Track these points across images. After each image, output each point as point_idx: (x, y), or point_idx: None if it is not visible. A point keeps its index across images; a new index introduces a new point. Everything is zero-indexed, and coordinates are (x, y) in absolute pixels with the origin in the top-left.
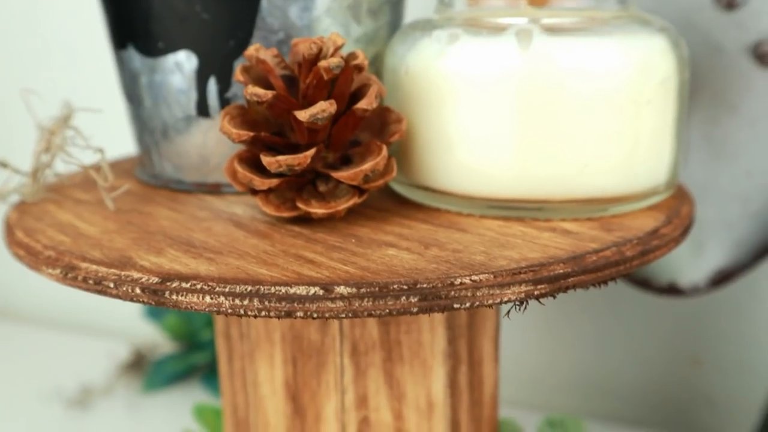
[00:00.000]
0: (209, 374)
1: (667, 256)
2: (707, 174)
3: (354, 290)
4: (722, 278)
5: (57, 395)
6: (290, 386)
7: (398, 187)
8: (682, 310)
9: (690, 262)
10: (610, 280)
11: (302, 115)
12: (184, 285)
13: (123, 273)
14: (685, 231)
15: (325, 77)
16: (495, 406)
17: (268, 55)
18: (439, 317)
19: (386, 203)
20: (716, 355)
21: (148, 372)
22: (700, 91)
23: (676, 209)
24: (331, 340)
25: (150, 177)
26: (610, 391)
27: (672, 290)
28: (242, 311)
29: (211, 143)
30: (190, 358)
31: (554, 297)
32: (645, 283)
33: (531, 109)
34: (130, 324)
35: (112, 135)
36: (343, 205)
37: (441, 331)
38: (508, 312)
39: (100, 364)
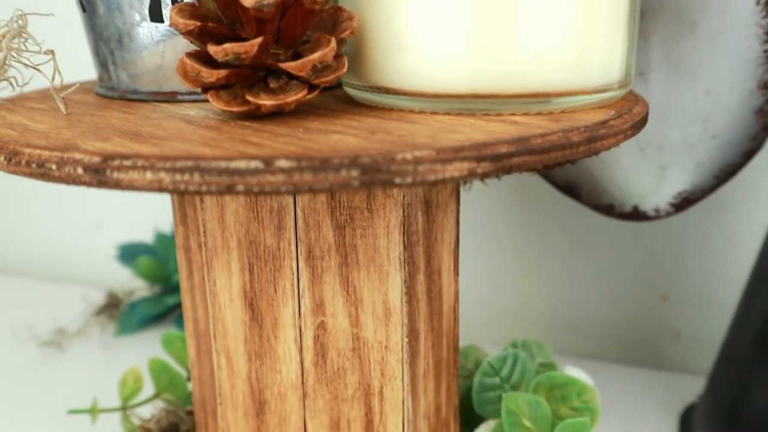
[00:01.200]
0: (182, 316)
1: (630, 181)
2: (668, 95)
3: (294, 164)
4: (684, 202)
5: (32, 337)
6: (247, 293)
7: (352, 91)
8: (650, 248)
9: (653, 186)
10: (556, 165)
11: (248, 1)
12: (125, 163)
13: (65, 155)
14: (635, 126)
15: None
16: (455, 320)
17: None
18: (394, 222)
19: (340, 105)
20: (683, 290)
21: (122, 314)
22: (661, 10)
23: (629, 108)
24: (287, 244)
25: (107, 89)
26: (580, 328)
27: (636, 215)
28: (183, 187)
29: (165, 50)
30: (164, 300)
31: (498, 177)
32: (610, 209)
33: None
34: (105, 270)
35: (76, 61)
36: (292, 97)
37: (397, 237)
38: (469, 187)
39: (75, 308)
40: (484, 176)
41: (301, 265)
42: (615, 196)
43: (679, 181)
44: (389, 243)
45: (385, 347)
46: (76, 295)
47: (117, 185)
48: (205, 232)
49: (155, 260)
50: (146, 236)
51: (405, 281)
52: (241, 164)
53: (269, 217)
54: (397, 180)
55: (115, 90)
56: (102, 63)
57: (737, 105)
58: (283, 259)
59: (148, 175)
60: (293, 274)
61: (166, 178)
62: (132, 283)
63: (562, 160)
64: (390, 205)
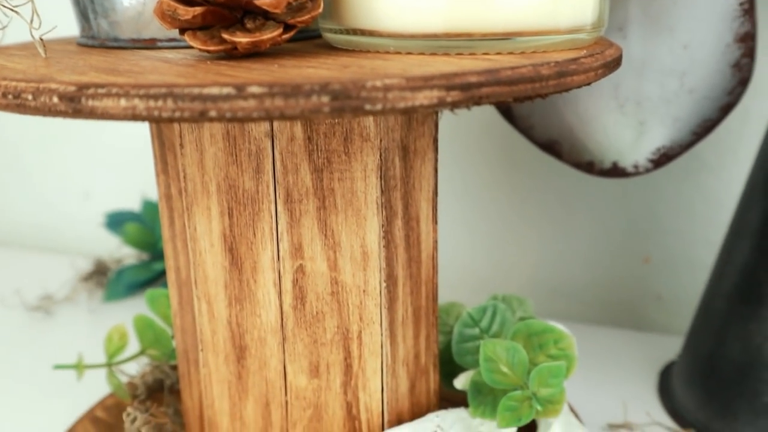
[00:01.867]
0: None
1: (610, 137)
2: (646, 50)
3: (266, 89)
4: (663, 157)
5: (20, 303)
6: (227, 238)
7: (329, 36)
8: (632, 212)
9: (632, 142)
10: (526, 98)
11: None
12: (100, 91)
13: (41, 85)
14: (607, 66)
15: None
16: (434, 269)
17: None
18: (371, 167)
19: (317, 50)
20: (665, 254)
21: (109, 281)
22: None
23: (601, 50)
24: (265, 187)
25: (87, 39)
26: (563, 292)
27: (615, 171)
28: (157, 113)
29: None
30: (151, 266)
31: (468, 108)
32: (590, 166)
33: None
34: (93, 240)
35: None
36: (268, 35)
37: (374, 181)
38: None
39: (63, 275)
40: (453, 105)
41: (279, 208)
42: (595, 153)
43: (657, 136)
44: (366, 187)
45: (364, 291)
46: (64, 263)
47: (92, 113)
48: (185, 177)
49: (142, 227)
50: (134, 206)
51: (383, 226)
52: (214, 90)
53: (248, 160)
54: (367, 107)
55: (95, 38)
56: (82, 12)
57: (714, 59)
58: (262, 202)
59: (122, 102)
60: (272, 218)
61: (140, 104)
62: (120, 252)
63: (531, 93)
64: (367, 149)
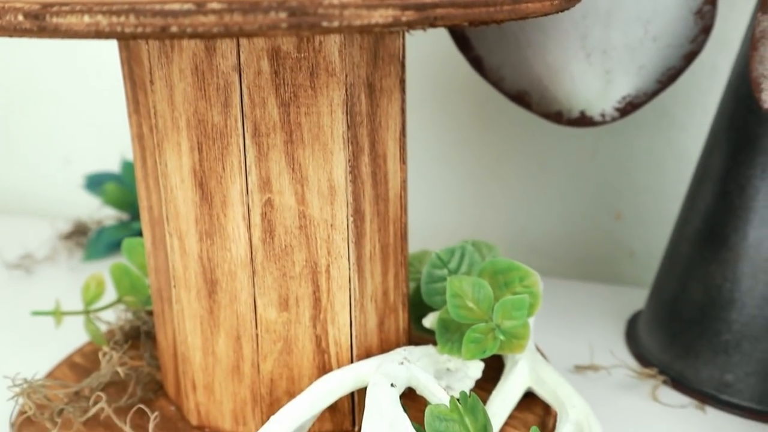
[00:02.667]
0: None
1: (577, 86)
2: None
3: (225, 5)
4: (628, 106)
5: (1, 261)
6: (197, 173)
7: None
8: (604, 169)
9: (599, 91)
10: (481, 23)
11: None
12: (64, 8)
13: (6, 5)
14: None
15: None
16: (402, 209)
17: None
18: (337, 101)
19: None
20: (636, 210)
21: (89, 241)
22: None
23: None
24: (234, 121)
25: None
26: (537, 249)
27: (583, 120)
28: (119, 29)
29: None
30: (131, 226)
31: (424, 30)
32: (558, 116)
33: None
34: (74, 204)
35: None
36: None
37: (340, 116)
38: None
39: (43, 236)
40: (409, 26)
41: (247, 142)
42: (563, 103)
43: (623, 85)
44: (333, 122)
45: (331, 225)
46: (44, 225)
47: (56, 31)
48: (155, 114)
49: (122, 187)
50: (114, 170)
51: (349, 160)
52: (175, 6)
53: (216, 95)
54: (324, 23)
55: None
56: None
57: (676, 5)
58: (230, 136)
59: (86, 18)
60: (240, 152)
61: (103, 20)
62: (99, 213)
63: (486, 17)
64: (333, 83)
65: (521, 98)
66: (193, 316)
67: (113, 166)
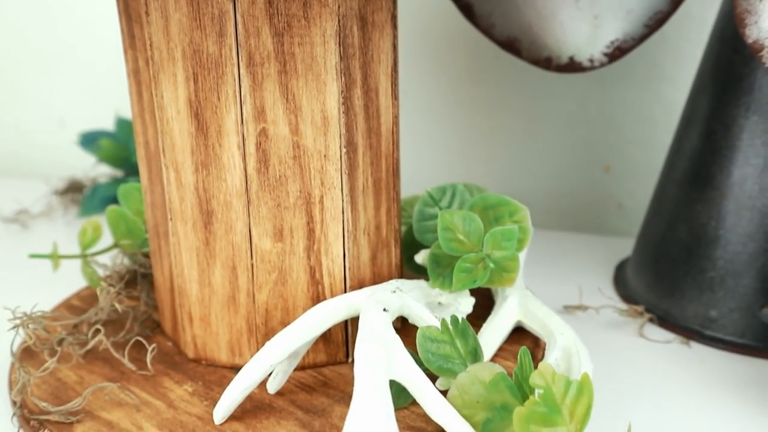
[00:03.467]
0: None
1: (566, 32)
2: None
3: None
4: (616, 51)
5: None
6: (192, 103)
7: None
8: (594, 123)
9: (587, 37)
10: None
11: None
12: None
13: None
14: None
15: None
16: (394, 144)
17: None
18: (330, 32)
19: None
20: (625, 163)
21: (84, 197)
22: None
23: None
24: (228, 51)
25: None
26: (526, 202)
27: (572, 66)
28: None
29: None
30: (126, 181)
31: None
32: (548, 62)
33: None
34: (69, 165)
35: None
36: None
37: (333, 47)
38: None
39: (38, 192)
40: None
41: (242, 71)
42: (553, 49)
43: (611, 30)
44: (326, 52)
45: (324, 156)
46: (39, 184)
47: None
48: (151, 45)
49: (117, 143)
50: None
51: (342, 92)
52: None
53: (211, 24)
54: None
55: None
56: None
57: None
58: (225, 66)
59: None
60: (235, 81)
61: None
62: (94, 171)
63: None
64: (326, 14)
65: (511, 45)
66: (189, 248)
67: (108, 126)
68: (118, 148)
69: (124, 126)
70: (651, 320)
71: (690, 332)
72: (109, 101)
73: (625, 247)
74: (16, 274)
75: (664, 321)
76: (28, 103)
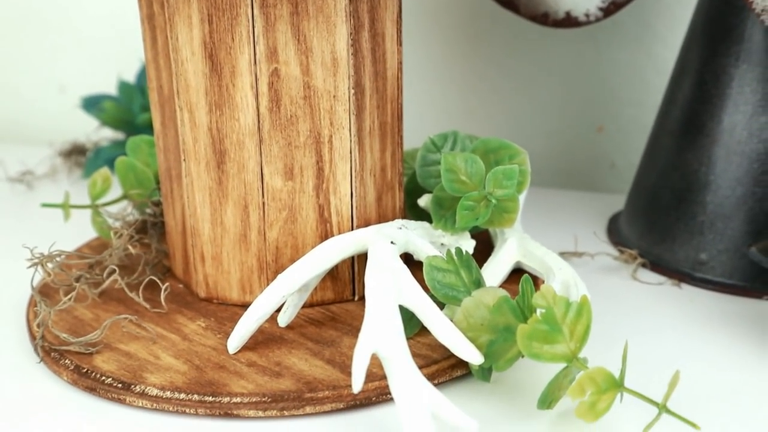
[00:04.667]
0: None
1: None
2: None
3: None
4: (611, 5)
5: (3, 174)
6: (207, 44)
7: None
8: (587, 83)
9: None
10: None
11: None
12: None
13: None
14: None
15: None
16: (399, 89)
17: None
18: None
19: None
20: (618, 122)
21: (88, 159)
22: None
23: None
24: None
25: None
26: None
27: (569, 21)
28: None
29: None
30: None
31: None
32: (545, 17)
33: None
34: (71, 132)
35: None
36: None
37: None
38: None
39: (42, 155)
40: None
41: (255, 12)
42: (550, 4)
43: None
44: None
45: (334, 96)
46: (43, 148)
47: None
48: None
49: (119, 105)
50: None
51: (351, 34)
52: None
53: None
54: None
55: None
56: None
57: None
58: (239, 6)
59: None
60: (248, 22)
61: None
62: (97, 134)
63: None
64: None
65: (509, 1)
66: (202, 188)
67: (110, 90)
68: (121, 110)
69: (127, 89)
70: (644, 265)
71: (681, 275)
72: (109, 68)
73: (617, 202)
74: (25, 228)
75: (657, 265)
76: (27, 69)
